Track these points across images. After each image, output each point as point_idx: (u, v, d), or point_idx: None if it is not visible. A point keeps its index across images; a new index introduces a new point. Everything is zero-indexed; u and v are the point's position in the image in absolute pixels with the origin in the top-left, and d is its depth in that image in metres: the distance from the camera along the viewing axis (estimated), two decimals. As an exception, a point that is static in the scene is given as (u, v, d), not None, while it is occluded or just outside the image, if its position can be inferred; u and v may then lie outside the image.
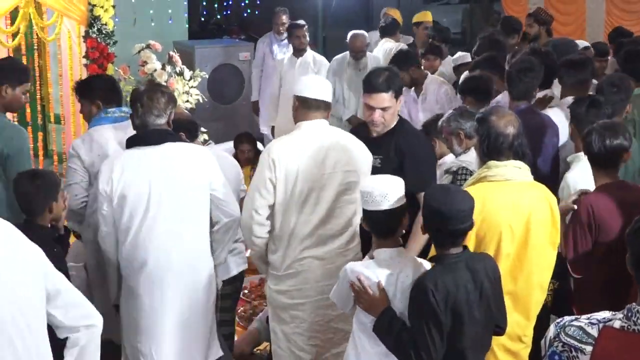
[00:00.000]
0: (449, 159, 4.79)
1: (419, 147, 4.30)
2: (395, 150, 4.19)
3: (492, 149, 3.51)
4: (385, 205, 3.19)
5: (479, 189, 3.43)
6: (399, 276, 3.15)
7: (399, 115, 4.35)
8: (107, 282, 4.18)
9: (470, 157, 4.36)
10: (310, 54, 7.91)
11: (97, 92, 4.57)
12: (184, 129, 4.37)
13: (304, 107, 3.99)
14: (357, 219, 3.87)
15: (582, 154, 4.08)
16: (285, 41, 8.54)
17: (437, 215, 3.03)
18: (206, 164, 3.99)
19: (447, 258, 3.07)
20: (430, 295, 2.93)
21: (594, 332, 2.18)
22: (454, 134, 4.58)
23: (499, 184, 3.44)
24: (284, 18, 8.61)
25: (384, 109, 4.11)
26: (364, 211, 3.29)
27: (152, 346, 3.90)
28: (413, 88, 6.59)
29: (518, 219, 3.40)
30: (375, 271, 3.19)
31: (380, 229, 3.26)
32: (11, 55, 6.72)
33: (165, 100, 3.94)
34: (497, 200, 3.38)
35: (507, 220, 3.37)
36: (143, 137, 3.92)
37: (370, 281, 3.16)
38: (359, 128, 4.62)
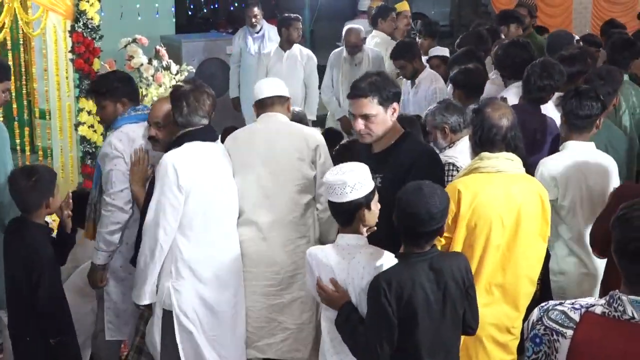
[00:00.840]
0: None
1: (426, 168, 3.65)
2: (396, 169, 3.63)
3: (485, 140, 3.53)
4: (345, 199, 3.17)
5: (471, 180, 3.46)
6: (350, 262, 3.15)
7: (404, 129, 3.84)
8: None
9: (456, 152, 4.35)
10: (297, 47, 7.90)
11: (122, 90, 4.40)
12: None
13: (261, 108, 4.22)
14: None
15: (569, 142, 4.11)
16: (260, 34, 8.50)
17: (408, 217, 3.01)
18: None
19: (410, 257, 3.06)
20: (382, 295, 2.94)
21: (576, 316, 2.20)
22: (438, 128, 4.52)
23: (490, 175, 3.46)
24: (255, 10, 8.56)
25: (366, 117, 3.61)
26: (328, 202, 3.30)
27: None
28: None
29: (509, 210, 3.42)
30: (329, 256, 3.22)
31: (339, 215, 3.27)
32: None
33: (210, 103, 4.02)
34: (488, 192, 3.40)
35: (498, 211, 3.39)
36: (203, 132, 4.00)
37: (323, 269, 3.20)
38: (356, 143, 4.43)
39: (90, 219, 4.39)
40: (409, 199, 3.01)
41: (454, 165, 4.23)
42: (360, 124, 3.62)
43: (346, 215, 3.21)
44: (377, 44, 8.23)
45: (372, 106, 3.58)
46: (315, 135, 4.30)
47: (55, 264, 3.99)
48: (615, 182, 4.14)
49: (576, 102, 4.16)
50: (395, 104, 3.66)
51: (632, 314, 2.11)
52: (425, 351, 3.03)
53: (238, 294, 4.04)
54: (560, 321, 2.22)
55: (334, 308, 3.16)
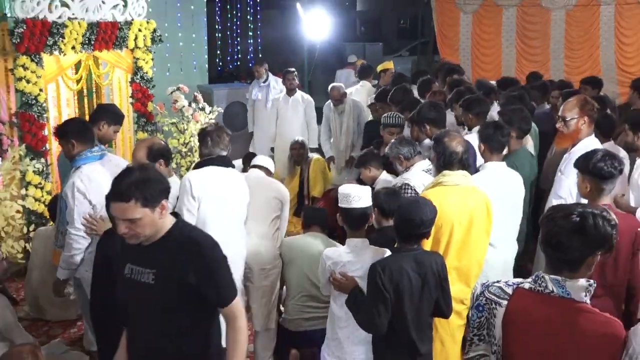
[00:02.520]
0: (383, 177, 4.71)
1: (196, 257, 2.50)
2: (168, 263, 2.50)
3: (447, 162, 3.54)
4: (357, 204, 3.20)
5: (436, 191, 3.47)
6: (359, 258, 3.16)
7: (176, 215, 2.64)
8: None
9: (410, 174, 4.29)
10: (299, 94, 7.90)
11: (71, 134, 3.93)
12: (161, 156, 4.03)
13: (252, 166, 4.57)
14: None
15: (487, 163, 4.09)
16: (266, 84, 8.40)
17: (404, 222, 3.02)
18: (246, 186, 4.10)
19: (400, 251, 3.06)
20: (378, 276, 2.94)
21: (509, 290, 2.22)
22: (396, 158, 4.47)
23: (450, 187, 3.47)
24: (259, 67, 8.48)
25: (130, 221, 2.43)
26: (341, 209, 3.27)
27: None
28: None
29: (464, 214, 3.42)
30: (342, 255, 3.21)
31: (351, 223, 3.25)
32: (75, 95, 6.68)
33: (228, 139, 4.03)
34: (449, 200, 3.39)
35: (456, 214, 3.40)
36: (221, 159, 3.99)
37: (337, 266, 3.17)
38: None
39: (58, 246, 4.04)
40: (407, 208, 3.04)
41: (408, 184, 4.12)
42: (123, 228, 2.45)
43: (362, 218, 3.23)
44: (358, 90, 8.25)
45: (135, 210, 2.41)
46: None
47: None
48: (521, 191, 4.08)
49: (495, 132, 4.11)
50: (164, 201, 2.49)
51: (552, 288, 2.13)
52: (410, 324, 3.02)
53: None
54: (497, 294, 2.24)
55: (344, 292, 3.14)
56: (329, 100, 7.45)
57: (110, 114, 4.70)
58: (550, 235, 2.13)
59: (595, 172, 3.13)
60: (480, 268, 3.56)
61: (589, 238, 2.08)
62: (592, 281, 2.13)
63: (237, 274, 3.87)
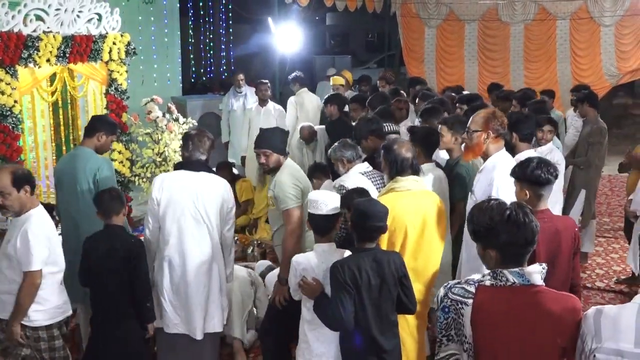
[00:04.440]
0: (326, 183, 4.83)
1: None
2: None
3: (399, 169, 3.57)
4: (325, 211, 3.23)
5: (389, 197, 3.49)
6: (326, 263, 3.16)
7: None
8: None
9: (348, 177, 4.28)
10: (271, 104, 7.94)
11: None
12: (26, 182, 3.58)
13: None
14: None
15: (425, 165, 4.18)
16: (241, 94, 8.46)
17: (362, 215, 3.04)
18: (224, 190, 3.96)
19: (359, 250, 3.08)
20: (338, 272, 2.96)
21: (472, 289, 2.28)
22: (339, 160, 4.45)
23: (403, 193, 3.50)
24: (241, 76, 8.56)
25: None
26: (310, 214, 3.28)
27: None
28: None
29: (416, 217, 3.45)
30: (310, 260, 3.23)
31: (318, 229, 3.28)
32: (50, 107, 6.62)
33: (209, 144, 3.97)
34: (402, 205, 3.42)
35: (409, 218, 3.42)
36: (187, 164, 3.94)
37: (306, 271, 3.18)
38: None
39: None
40: (359, 206, 3.09)
41: (342, 186, 4.07)
42: None
43: (329, 223, 3.25)
44: None
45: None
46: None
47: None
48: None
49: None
50: None
51: (513, 280, 2.23)
52: (372, 321, 3.05)
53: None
54: (461, 294, 2.29)
55: (311, 297, 3.15)
56: (298, 139, 7.26)
57: (108, 125, 4.65)
58: (492, 237, 2.28)
59: (532, 179, 3.18)
60: (436, 267, 3.57)
61: (520, 233, 2.23)
62: (544, 264, 2.28)
63: (199, 278, 3.83)
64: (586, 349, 2.16)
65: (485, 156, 3.77)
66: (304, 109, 8.00)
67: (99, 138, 4.55)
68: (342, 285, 2.96)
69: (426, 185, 3.65)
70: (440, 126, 4.54)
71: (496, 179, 3.55)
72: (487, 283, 2.27)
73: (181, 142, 4.15)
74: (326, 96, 7.22)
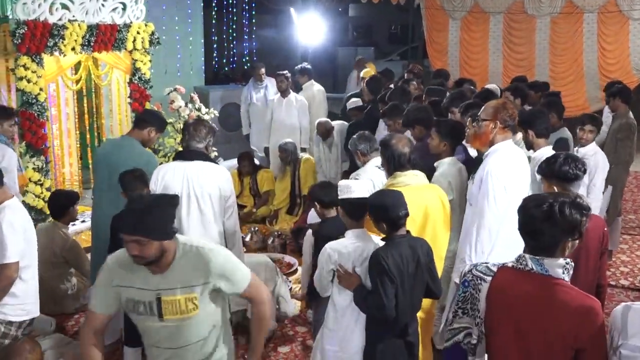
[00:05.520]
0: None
1: None
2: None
3: (397, 165, 3.57)
4: (358, 194, 3.20)
5: None
6: (364, 249, 3.14)
7: None
8: None
9: (362, 171, 4.31)
10: (293, 95, 7.88)
11: None
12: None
13: None
14: None
15: (443, 160, 4.11)
16: (262, 86, 8.40)
17: (382, 208, 3.04)
18: (220, 177, 3.91)
19: (394, 238, 3.07)
20: (383, 260, 2.95)
21: (494, 269, 2.34)
22: (355, 153, 4.50)
23: (402, 189, 3.42)
24: (262, 69, 8.45)
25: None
26: (342, 200, 3.25)
27: None
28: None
29: (418, 210, 3.41)
30: (348, 246, 3.18)
31: (352, 213, 3.23)
32: (75, 95, 6.66)
33: (205, 132, 3.95)
34: None
35: (411, 212, 3.29)
36: (182, 154, 3.95)
37: (343, 257, 3.13)
38: None
39: None
40: (378, 200, 3.09)
41: (357, 179, 4.07)
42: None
43: (362, 207, 3.20)
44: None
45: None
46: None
47: None
48: None
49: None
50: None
51: (532, 266, 2.23)
52: (406, 307, 3.05)
53: None
54: (483, 272, 2.34)
55: (350, 288, 3.11)
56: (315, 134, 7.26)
57: (160, 121, 4.64)
58: (524, 224, 2.25)
59: (561, 175, 3.15)
60: (441, 260, 3.53)
61: (558, 225, 2.16)
62: (569, 260, 2.22)
63: None
64: (613, 344, 2.14)
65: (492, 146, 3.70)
66: (315, 102, 8.02)
67: (150, 132, 4.53)
68: (386, 274, 2.95)
69: (426, 179, 3.61)
70: (467, 120, 4.47)
71: (489, 164, 3.47)
72: (509, 265, 2.31)
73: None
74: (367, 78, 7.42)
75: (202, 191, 3.83)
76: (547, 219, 2.16)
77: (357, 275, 3.12)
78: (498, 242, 3.37)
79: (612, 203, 6.23)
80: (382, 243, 3.16)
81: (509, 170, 3.43)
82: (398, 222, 3.06)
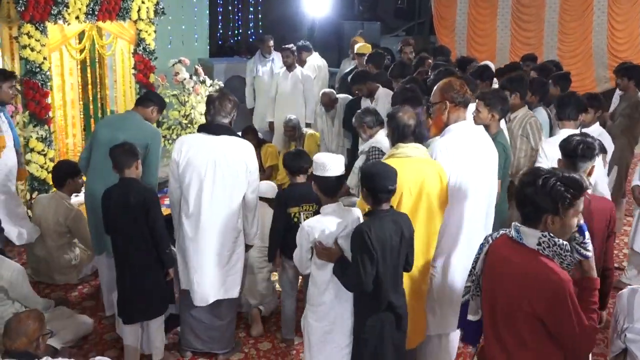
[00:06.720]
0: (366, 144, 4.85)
1: None
2: None
3: (400, 135, 3.54)
4: (332, 173, 3.23)
5: (389, 162, 3.39)
6: (344, 220, 3.16)
7: None
8: None
9: (376, 140, 4.59)
10: (299, 69, 7.81)
11: None
12: None
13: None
14: None
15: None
16: (269, 59, 8.31)
17: (373, 177, 3.04)
18: (246, 152, 3.94)
19: (378, 212, 3.07)
20: (366, 236, 2.96)
21: (497, 235, 2.55)
22: (361, 127, 4.79)
23: (403, 159, 3.44)
24: (271, 42, 8.35)
25: None
26: (316, 177, 3.27)
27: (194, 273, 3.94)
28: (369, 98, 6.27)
29: (415, 183, 3.38)
30: (324, 221, 3.18)
31: (328, 190, 3.26)
32: (79, 65, 6.59)
33: (231, 106, 3.95)
34: (401, 170, 3.28)
35: (407, 183, 3.35)
36: (208, 127, 3.94)
37: (324, 233, 3.14)
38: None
39: None
40: (373, 167, 3.14)
41: (375, 147, 4.49)
42: None
43: (335, 187, 3.25)
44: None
45: None
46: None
47: None
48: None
49: None
50: None
51: (512, 233, 2.42)
52: (389, 280, 3.08)
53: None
54: (494, 237, 2.56)
55: (331, 261, 3.14)
56: (319, 107, 7.18)
57: (162, 102, 4.79)
58: (516, 192, 2.40)
59: (569, 153, 3.18)
60: (435, 235, 3.52)
61: (538, 195, 2.26)
62: (546, 233, 2.29)
63: (215, 240, 3.88)
64: (618, 327, 2.15)
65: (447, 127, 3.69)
66: (322, 72, 8.14)
67: (153, 111, 4.63)
68: (367, 249, 2.96)
69: (428, 153, 3.57)
70: (477, 101, 4.41)
71: (433, 148, 3.55)
72: (507, 232, 2.48)
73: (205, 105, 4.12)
74: (368, 55, 7.41)
75: (228, 165, 3.85)
76: (529, 188, 2.28)
77: (336, 248, 3.14)
78: (450, 221, 3.52)
79: (617, 184, 6.19)
80: (360, 213, 3.20)
81: (455, 152, 3.47)
82: (383, 194, 3.05)
